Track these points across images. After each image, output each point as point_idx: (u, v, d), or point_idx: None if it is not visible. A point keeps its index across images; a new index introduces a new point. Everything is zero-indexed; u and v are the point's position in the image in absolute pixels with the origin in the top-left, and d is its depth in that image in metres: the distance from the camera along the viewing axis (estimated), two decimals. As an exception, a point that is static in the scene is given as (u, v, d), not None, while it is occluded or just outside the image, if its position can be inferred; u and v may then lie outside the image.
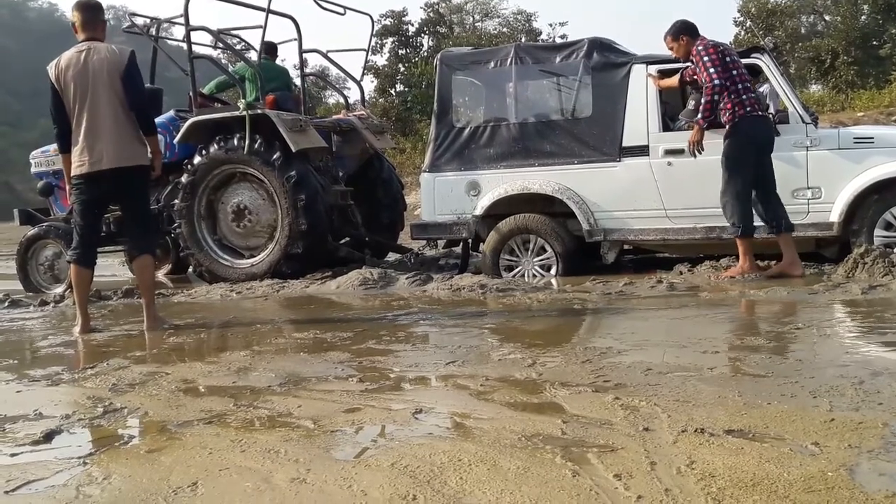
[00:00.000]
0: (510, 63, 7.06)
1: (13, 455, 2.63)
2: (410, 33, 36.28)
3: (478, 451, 2.37)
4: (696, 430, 2.44)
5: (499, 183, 6.93)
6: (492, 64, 7.23)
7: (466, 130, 7.16)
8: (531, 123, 7.08)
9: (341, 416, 2.85)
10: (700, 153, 5.96)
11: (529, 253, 6.79)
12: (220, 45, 8.38)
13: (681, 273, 6.17)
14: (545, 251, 6.75)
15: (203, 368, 3.80)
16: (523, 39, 33.69)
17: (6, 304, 6.79)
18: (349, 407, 2.97)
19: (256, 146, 7.29)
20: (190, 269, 8.49)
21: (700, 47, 5.87)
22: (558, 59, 7.00)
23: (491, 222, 6.93)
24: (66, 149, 5.00)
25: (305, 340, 4.45)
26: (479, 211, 6.96)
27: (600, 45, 6.85)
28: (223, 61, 9.70)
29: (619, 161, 6.56)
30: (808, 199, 6.09)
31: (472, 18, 41.53)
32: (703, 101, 5.85)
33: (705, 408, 2.68)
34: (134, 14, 8.91)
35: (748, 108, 5.83)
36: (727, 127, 5.87)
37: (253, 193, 7.55)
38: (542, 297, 5.59)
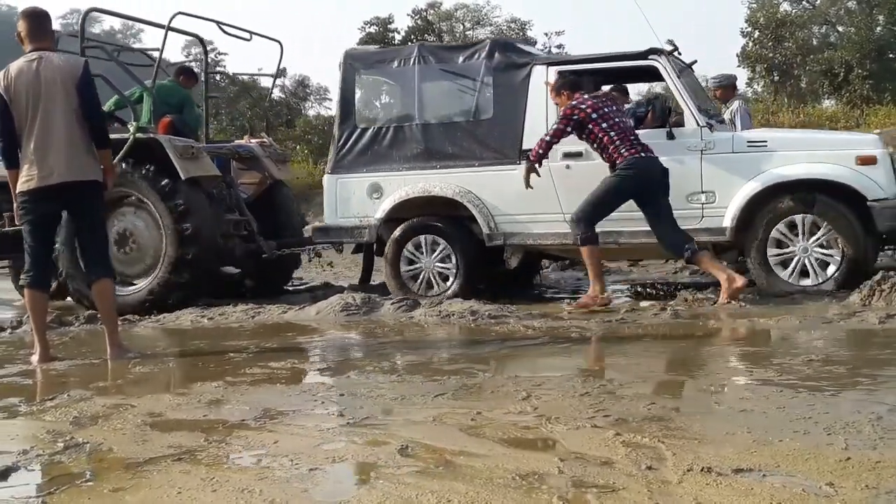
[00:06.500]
0: (413, 62, 7.28)
1: (-35, 494, 2.61)
2: (396, 42, 36.40)
3: (468, 492, 2.37)
4: (702, 469, 2.44)
5: (401, 185, 7.14)
6: (395, 63, 7.44)
7: (370, 131, 7.36)
8: (434, 125, 7.31)
9: (321, 453, 2.84)
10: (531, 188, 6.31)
11: (430, 254, 7.04)
12: (116, 63, 8.30)
13: (686, 300, 6.19)
14: (450, 258, 6.99)
15: (171, 401, 3.78)
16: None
17: (-42, 330, 6.73)
18: (329, 443, 2.97)
19: (143, 171, 7.31)
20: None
21: (568, 106, 6.21)
22: (461, 60, 7.26)
23: (394, 226, 7.15)
24: (13, 163, 4.97)
25: (282, 371, 4.44)
26: (380, 214, 7.16)
27: (503, 46, 7.21)
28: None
29: (520, 164, 6.67)
30: (703, 204, 6.39)
31: (462, 26, 41.74)
32: (536, 145, 6.25)
33: (712, 445, 2.69)
34: None
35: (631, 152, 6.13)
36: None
37: (137, 219, 7.56)
38: (537, 324, 5.59)
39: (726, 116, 8.08)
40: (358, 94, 7.57)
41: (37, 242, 5.05)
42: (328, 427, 3.18)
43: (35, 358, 5.01)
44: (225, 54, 43.35)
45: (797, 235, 6.23)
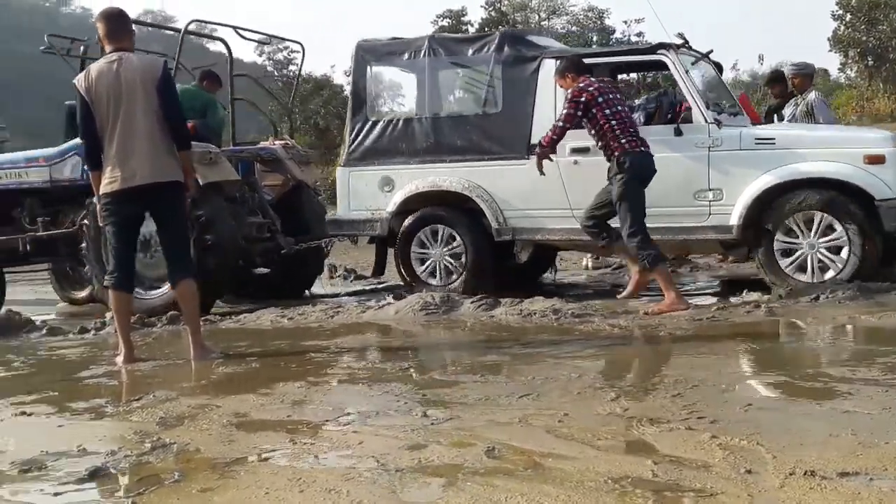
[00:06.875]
0: (424, 55, 7.35)
1: (56, 494, 2.70)
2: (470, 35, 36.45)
3: (559, 495, 2.36)
4: (805, 473, 2.40)
5: (411, 179, 7.24)
6: (406, 55, 7.54)
7: (381, 123, 7.45)
8: (444, 118, 7.42)
9: (406, 454, 2.87)
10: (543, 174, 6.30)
11: (440, 244, 7.15)
12: None
13: (780, 297, 6.06)
14: (460, 248, 7.10)
15: (256, 401, 3.85)
16: (594, 39, 33.58)
17: (44, 331, 6.97)
18: (414, 444, 2.98)
19: None
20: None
21: (574, 89, 6.11)
22: (471, 52, 7.33)
23: (405, 219, 7.27)
24: (96, 165, 5.10)
25: (364, 371, 4.48)
26: (391, 207, 7.28)
27: (512, 38, 7.29)
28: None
29: (528, 158, 6.70)
30: (710, 201, 6.41)
31: (538, 17, 41.53)
32: (549, 131, 6.21)
33: (815, 447, 2.64)
34: (53, 35, 9.07)
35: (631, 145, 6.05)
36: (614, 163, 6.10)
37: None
38: (623, 323, 5.54)
39: (802, 108, 7.93)
40: (369, 86, 7.71)
41: (121, 244, 5.17)
42: (412, 428, 3.20)
43: (120, 359, 5.15)
44: (297, 52, 44.12)
45: (805, 232, 6.17)
